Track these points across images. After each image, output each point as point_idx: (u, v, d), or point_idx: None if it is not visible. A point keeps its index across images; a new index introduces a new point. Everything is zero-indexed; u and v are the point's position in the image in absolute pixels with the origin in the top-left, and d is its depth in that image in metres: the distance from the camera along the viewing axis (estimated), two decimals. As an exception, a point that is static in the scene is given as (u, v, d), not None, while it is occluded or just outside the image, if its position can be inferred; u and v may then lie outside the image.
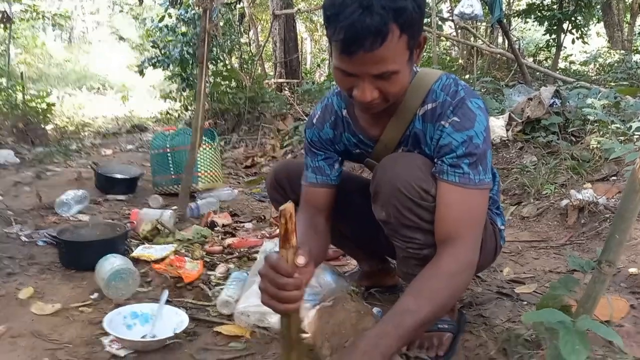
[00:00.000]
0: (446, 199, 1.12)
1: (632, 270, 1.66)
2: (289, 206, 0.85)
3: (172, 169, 2.94)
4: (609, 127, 2.86)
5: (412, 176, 1.14)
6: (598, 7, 7.07)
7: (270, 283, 0.92)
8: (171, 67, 6.30)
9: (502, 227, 1.43)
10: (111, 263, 1.69)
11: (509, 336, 1.39)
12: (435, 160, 1.16)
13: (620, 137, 2.72)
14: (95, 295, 1.68)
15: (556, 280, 1.84)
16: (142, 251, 2.00)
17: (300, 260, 0.92)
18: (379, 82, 1.04)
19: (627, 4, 9.37)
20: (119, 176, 3.03)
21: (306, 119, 5.10)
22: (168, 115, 7.53)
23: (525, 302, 1.63)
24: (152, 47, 6.53)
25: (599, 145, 2.69)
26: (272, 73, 8.20)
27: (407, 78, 1.08)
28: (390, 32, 0.97)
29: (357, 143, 1.32)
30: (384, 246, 1.43)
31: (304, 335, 0.97)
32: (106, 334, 1.38)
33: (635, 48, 8.10)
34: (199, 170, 2.87)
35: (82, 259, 1.86)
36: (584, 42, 7.32)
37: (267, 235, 2.24)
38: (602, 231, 2.07)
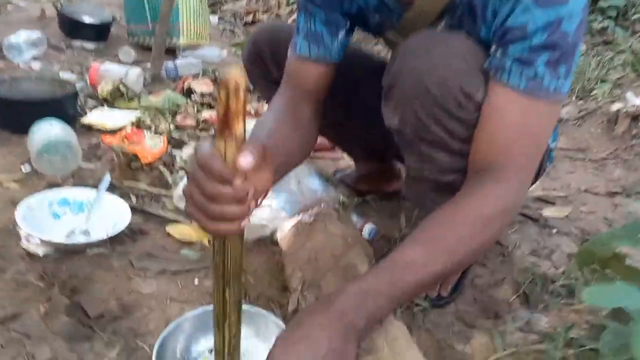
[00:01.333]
0: (500, 110, 0.73)
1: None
2: (235, 72, 0.46)
3: (148, 16, 2.45)
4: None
5: (450, 70, 0.73)
6: None
7: (198, 188, 0.56)
8: None
9: (553, 146, 1.05)
10: (46, 131, 1.35)
11: (533, 276, 1.11)
12: (494, 47, 0.74)
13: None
14: (29, 168, 1.37)
15: (593, 202, 1.54)
16: (97, 117, 1.65)
17: (245, 159, 0.53)
18: None
19: None
20: (86, 19, 2.53)
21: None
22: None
23: (555, 230, 1.33)
24: None
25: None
26: None
27: None
28: None
29: (378, 5, 0.88)
30: (392, 147, 1.07)
31: (243, 268, 0.63)
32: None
33: None
34: (179, 21, 2.38)
35: (19, 121, 1.51)
36: None
37: (252, 113, 1.86)
38: (657, 148, 1.70)
